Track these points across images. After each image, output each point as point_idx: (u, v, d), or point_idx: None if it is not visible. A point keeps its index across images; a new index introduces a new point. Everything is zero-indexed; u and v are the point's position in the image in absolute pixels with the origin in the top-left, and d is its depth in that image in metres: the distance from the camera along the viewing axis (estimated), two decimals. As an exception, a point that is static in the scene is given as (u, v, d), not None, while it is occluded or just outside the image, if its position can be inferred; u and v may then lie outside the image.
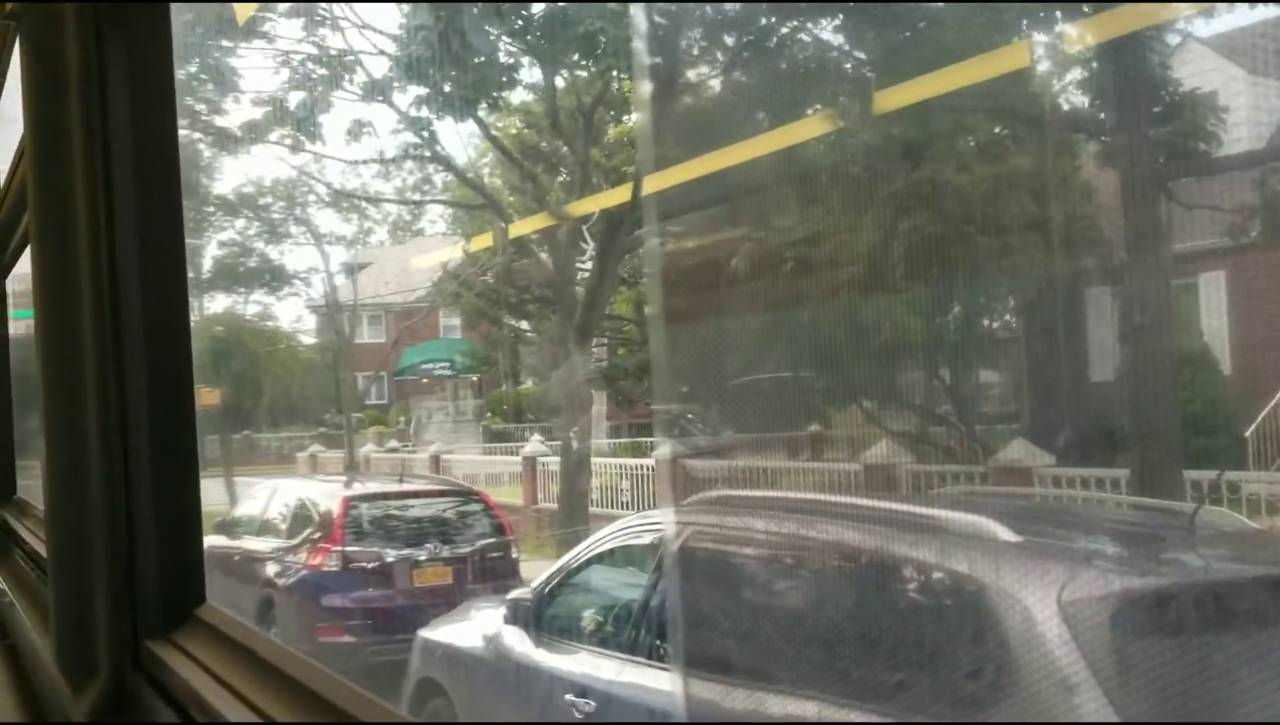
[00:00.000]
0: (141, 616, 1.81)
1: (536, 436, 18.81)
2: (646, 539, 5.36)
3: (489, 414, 26.07)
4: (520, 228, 15.30)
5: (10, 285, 4.25)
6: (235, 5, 12.02)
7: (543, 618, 5.40)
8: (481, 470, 18.08)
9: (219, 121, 16.28)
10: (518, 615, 5.48)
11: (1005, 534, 3.37)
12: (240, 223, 23.24)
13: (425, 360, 28.14)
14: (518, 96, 14.11)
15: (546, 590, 5.49)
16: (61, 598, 1.92)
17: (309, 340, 27.37)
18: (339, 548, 9.01)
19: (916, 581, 3.45)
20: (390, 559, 9.02)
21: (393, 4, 13.66)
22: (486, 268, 18.48)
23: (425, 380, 28.33)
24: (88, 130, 1.84)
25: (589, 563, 5.53)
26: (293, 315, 32.28)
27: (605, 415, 21.20)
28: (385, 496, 10.12)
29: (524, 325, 20.49)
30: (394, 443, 22.60)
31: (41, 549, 2.87)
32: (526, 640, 5.36)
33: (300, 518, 9.81)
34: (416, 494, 10.38)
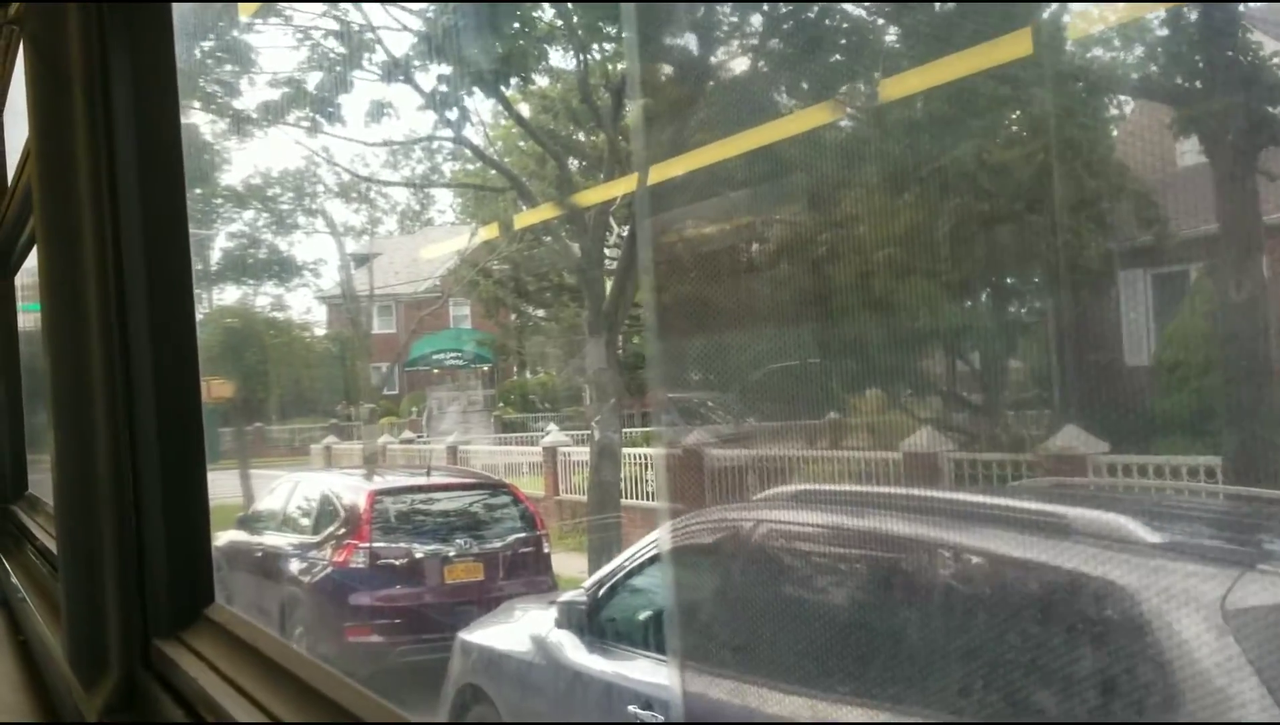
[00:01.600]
0: (151, 615, 1.83)
1: (553, 426, 18.65)
2: (708, 539, 4.88)
3: (500, 404, 25.94)
4: (540, 214, 14.93)
5: (19, 278, 4.27)
6: (239, 4, 11.98)
7: (599, 621, 5.04)
8: (500, 461, 17.64)
9: (234, 104, 15.92)
10: (571, 618, 5.14)
11: (1146, 533, 2.93)
12: (249, 214, 23.28)
13: (436, 350, 28.05)
14: (545, 74, 13.46)
15: (601, 592, 5.12)
16: (72, 597, 1.93)
17: (320, 331, 27.37)
18: (366, 544, 8.66)
19: (1045, 590, 3.01)
20: (419, 555, 8.66)
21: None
22: (505, 254, 18.08)
23: (435, 371, 28.26)
24: (92, 130, 1.84)
25: (648, 562, 5.13)
26: (303, 306, 32.15)
27: (621, 404, 21.08)
28: (412, 490, 9.72)
29: (540, 313, 19.98)
30: (408, 433, 22.07)
31: (53, 545, 2.89)
32: (580, 645, 5.02)
33: (325, 513, 9.43)
34: (444, 487, 9.97)
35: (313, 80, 13.26)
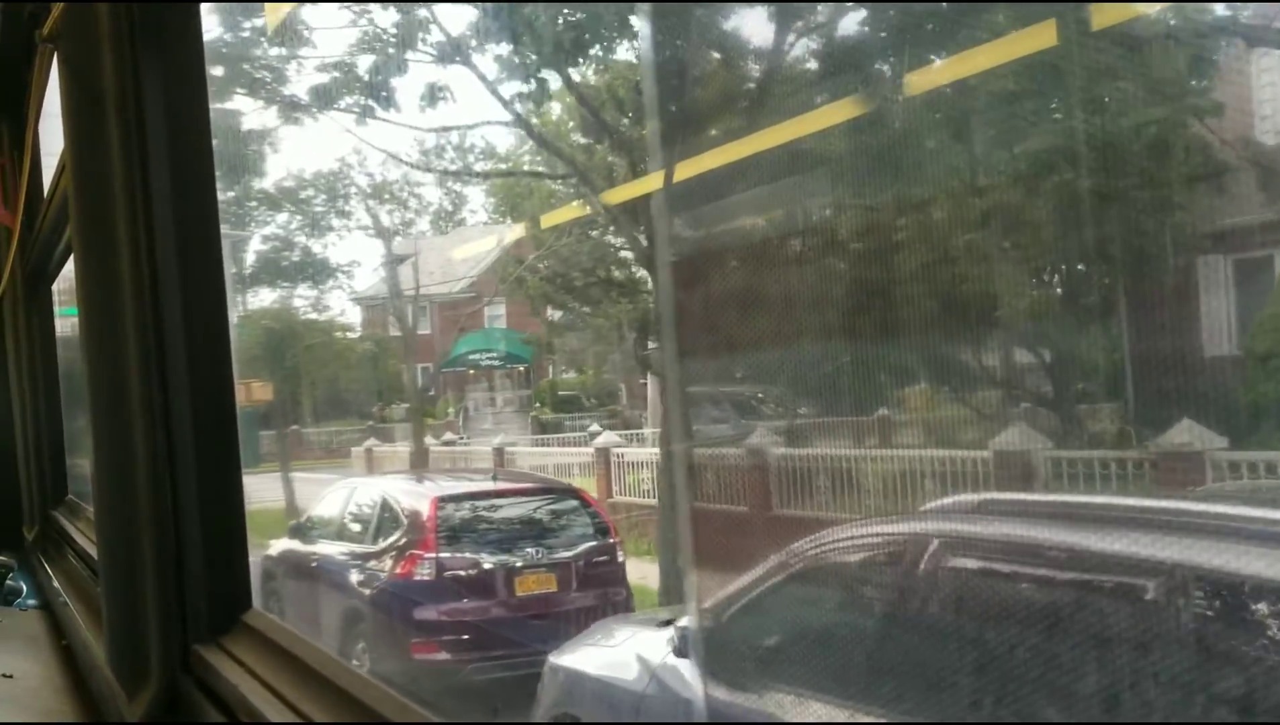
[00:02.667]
0: (190, 621, 1.85)
1: (595, 425, 18.37)
2: (866, 556, 4.23)
3: (537, 404, 25.80)
4: (606, 199, 14.15)
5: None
6: (266, 8, 11.98)
7: (727, 651, 4.38)
8: (547, 461, 16.93)
9: (283, 90, 14.93)
10: (691, 646, 4.53)
11: None
12: (282, 217, 23.37)
13: (473, 350, 27.87)
14: (597, 62, 12.92)
15: (726, 616, 4.45)
16: (113, 602, 1.96)
17: (358, 333, 27.29)
18: (431, 554, 8.19)
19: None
20: (487, 566, 8.21)
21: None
22: (553, 248, 17.50)
23: (472, 371, 28.13)
24: (125, 142, 1.86)
25: (789, 580, 4.42)
26: (341, 307, 32.17)
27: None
28: (477, 496, 9.17)
29: (586, 310, 19.14)
30: (449, 435, 21.70)
31: (93, 550, 2.93)
32: (708, 677, 4.37)
33: (385, 520, 8.99)
34: (510, 492, 9.36)
35: (365, 63, 12.65)
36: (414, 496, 9.13)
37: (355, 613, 8.62)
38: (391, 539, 8.70)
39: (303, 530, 10.14)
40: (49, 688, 2.55)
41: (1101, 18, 4.76)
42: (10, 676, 2.57)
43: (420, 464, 18.92)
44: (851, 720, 3.24)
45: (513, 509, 8.96)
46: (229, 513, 1.88)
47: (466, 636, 7.97)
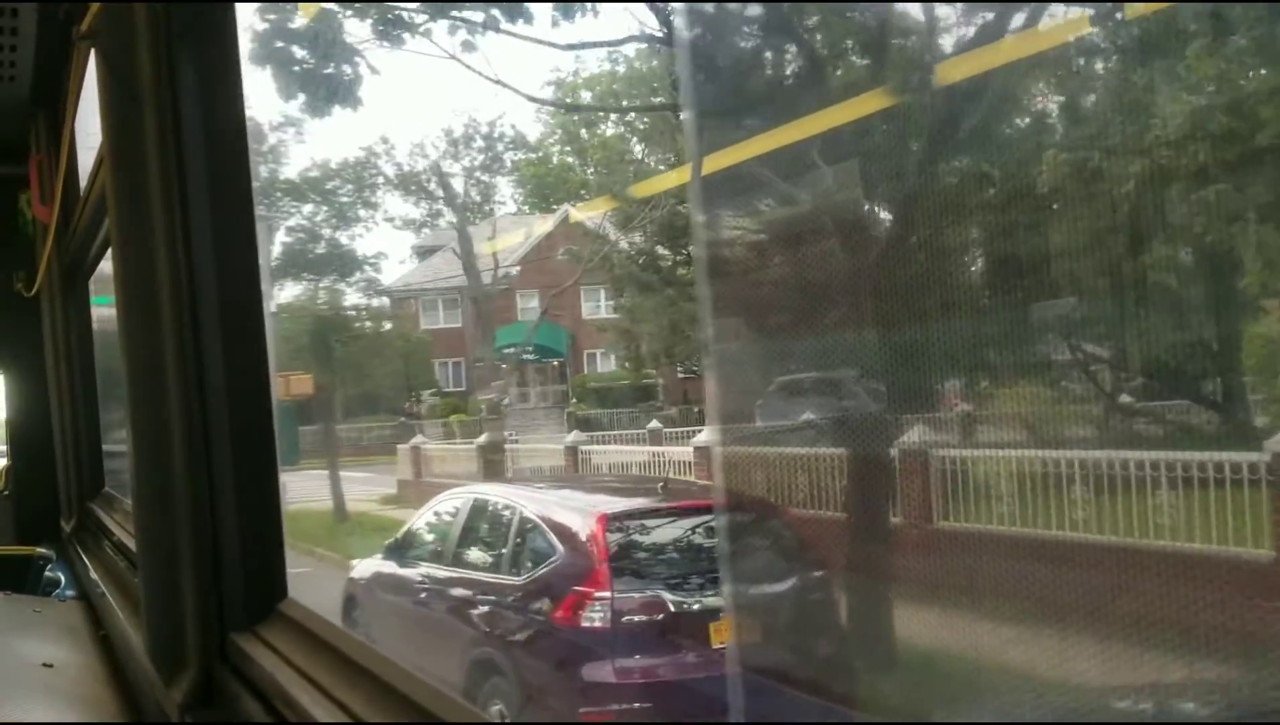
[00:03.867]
0: (227, 610, 1.88)
1: (653, 421, 17.08)
2: None
3: (573, 400, 25.14)
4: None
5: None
6: (300, 5, 11.98)
7: None
8: (627, 459, 15.29)
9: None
10: None
11: None
12: (308, 207, 23.00)
13: (507, 344, 26.69)
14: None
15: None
16: (151, 592, 1.99)
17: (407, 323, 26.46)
18: (605, 593, 6.37)
19: None
20: (673, 609, 6.41)
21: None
22: (646, 219, 16.11)
23: (504, 365, 27.23)
24: (162, 138, 1.89)
25: None
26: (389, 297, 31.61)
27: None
28: (651, 513, 7.29)
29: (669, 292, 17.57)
30: (505, 432, 20.41)
31: (129, 541, 2.97)
32: None
33: (529, 544, 7.23)
34: (689, 508, 7.39)
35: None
36: (568, 513, 7.29)
37: (487, 663, 6.94)
38: (541, 570, 6.98)
39: (402, 550, 8.44)
40: (88, 676, 2.59)
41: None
42: (50, 665, 2.61)
43: (497, 465, 16.86)
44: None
45: (696, 531, 7.05)
46: (265, 503, 1.90)
47: (652, 702, 6.24)
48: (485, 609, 7.16)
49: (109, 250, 3.30)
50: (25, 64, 3.82)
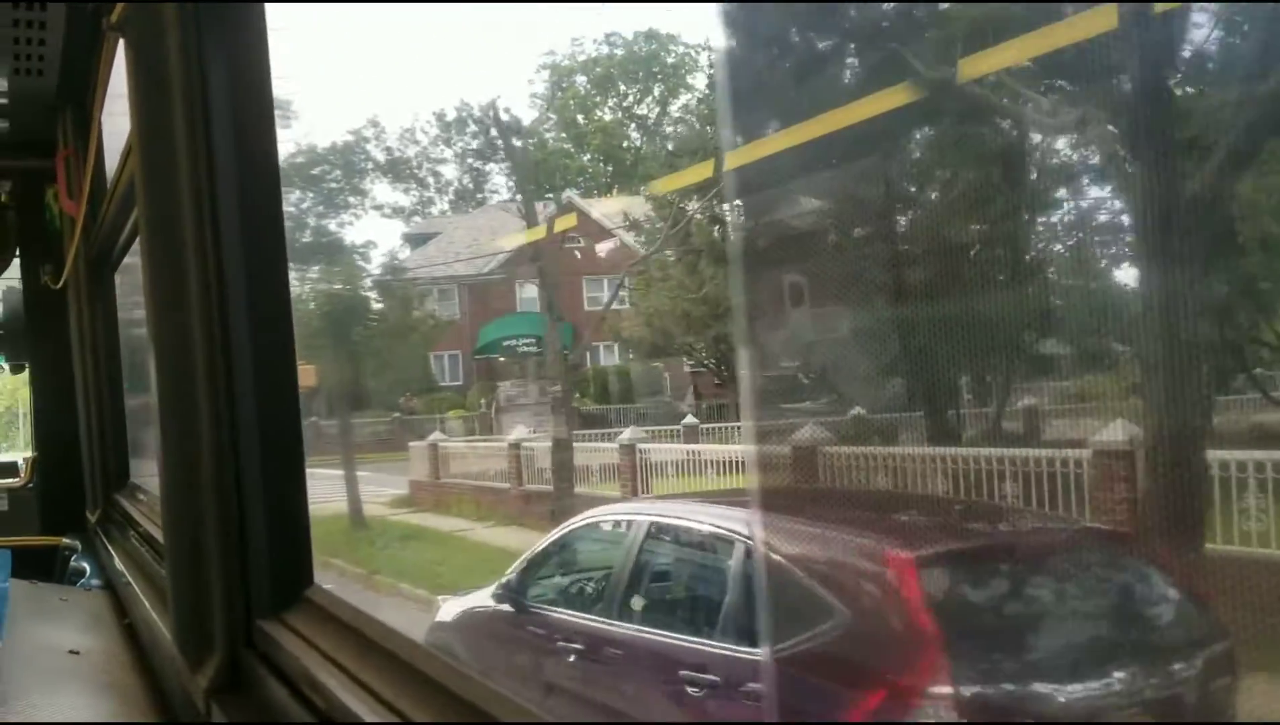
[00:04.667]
0: (254, 597, 1.90)
1: (689, 416, 15.82)
2: None
3: (578, 395, 24.03)
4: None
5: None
6: None
7: None
8: (667, 458, 13.40)
9: None
10: None
11: None
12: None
13: (507, 336, 25.78)
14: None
15: None
16: (178, 580, 2.01)
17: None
18: (946, 689, 4.05)
19: None
20: (1044, 701, 4.01)
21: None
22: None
23: (502, 359, 26.30)
24: (190, 128, 1.91)
25: None
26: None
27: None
28: (976, 556, 4.86)
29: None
30: (524, 429, 18.66)
31: (154, 532, 3.00)
32: None
33: (781, 599, 4.73)
34: (1028, 544, 5.09)
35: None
36: (837, 549, 4.86)
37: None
38: (807, 640, 4.49)
39: (526, 590, 6.30)
40: (114, 663, 2.62)
41: None
42: (77, 653, 2.64)
43: (566, 467, 13.97)
44: None
45: (1039, 578, 4.71)
46: (291, 491, 1.92)
47: None
48: (701, 692, 4.80)
49: (135, 242, 3.34)
50: (53, 59, 3.86)
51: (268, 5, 1.94)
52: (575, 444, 15.07)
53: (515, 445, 15.81)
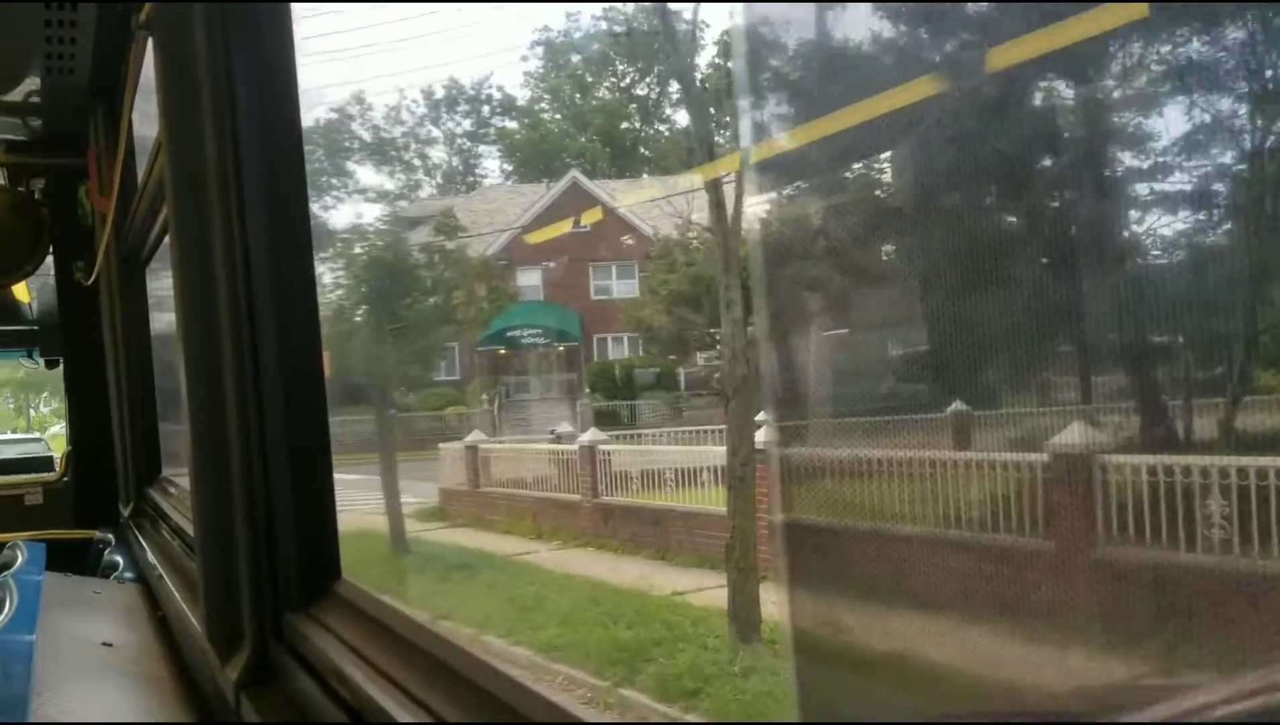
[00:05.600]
0: (282, 591, 1.91)
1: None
2: None
3: (587, 391, 22.68)
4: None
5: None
6: None
7: None
8: (695, 464, 11.97)
9: None
10: None
11: None
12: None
13: (512, 326, 23.76)
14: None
15: None
16: (208, 574, 2.03)
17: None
18: None
19: None
20: None
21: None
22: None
23: (503, 351, 24.31)
24: (218, 126, 1.93)
25: None
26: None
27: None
28: None
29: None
30: (565, 428, 16.77)
31: (185, 525, 3.03)
32: None
33: None
34: None
35: None
36: None
37: None
38: None
39: None
40: (146, 655, 2.65)
41: None
42: (110, 645, 2.68)
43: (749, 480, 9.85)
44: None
45: None
46: (318, 485, 1.93)
47: None
48: None
49: (166, 239, 3.38)
50: (84, 57, 3.90)
51: (293, 4, 1.96)
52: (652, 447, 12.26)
53: (589, 447, 13.43)
